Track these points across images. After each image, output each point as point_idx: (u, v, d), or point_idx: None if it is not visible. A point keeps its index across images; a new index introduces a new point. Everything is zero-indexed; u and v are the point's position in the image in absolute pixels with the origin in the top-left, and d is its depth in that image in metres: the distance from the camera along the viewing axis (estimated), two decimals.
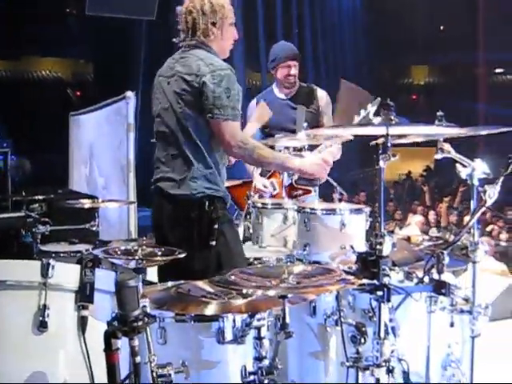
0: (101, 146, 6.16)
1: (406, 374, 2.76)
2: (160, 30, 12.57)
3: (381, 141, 2.40)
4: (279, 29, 15.78)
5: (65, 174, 7.46)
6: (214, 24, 3.32)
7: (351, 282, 2.14)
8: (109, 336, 1.88)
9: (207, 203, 3.20)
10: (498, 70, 22.57)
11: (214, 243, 3.16)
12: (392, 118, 2.37)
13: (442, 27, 24.80)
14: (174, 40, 3.42)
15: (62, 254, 3.72)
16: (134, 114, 5.33)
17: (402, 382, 2.71)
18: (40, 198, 4.71)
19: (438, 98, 22.92)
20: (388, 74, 25.67)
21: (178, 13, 3.37)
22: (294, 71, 4.82)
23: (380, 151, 2.41)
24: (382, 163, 2.47)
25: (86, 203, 4.08)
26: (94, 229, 4.18)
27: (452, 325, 2.82)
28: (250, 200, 4.05)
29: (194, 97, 3.20)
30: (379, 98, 2.99)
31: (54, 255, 3.71)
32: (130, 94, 5.33)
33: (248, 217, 4.06)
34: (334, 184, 4.46)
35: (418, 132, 2.64)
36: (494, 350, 3.26)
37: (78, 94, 18.49)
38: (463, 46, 21.93)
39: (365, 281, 2.33)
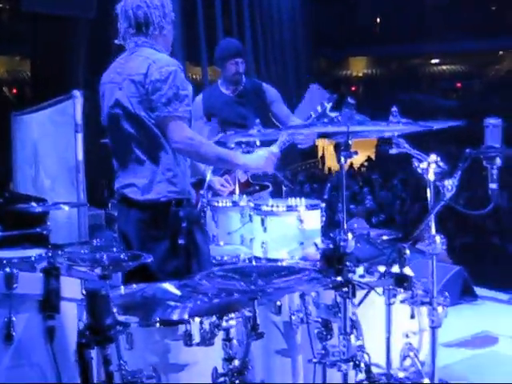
0: (46, 147, 6.02)
1: (367, 367, 2.80)
2: (99, 28, 12.37)
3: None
4: (219, 22, 15.70)
5: (5, 175, 7.29)
6: (164, 17, 3.28)
7: (322, 281, 2.15)
8: (81, 346, 1.85)
9: (173, 202, 3.17)
10: (434, 61, 23.04)
11: (182, 241, 3.13)
12: (353, 115, 2.39)
13: (378, 19, 25.20)
14: (116, 41, 3.34)
15: (14, 260, 3.63)
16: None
17: (365, 374, 2.75)
18: None
19: (377, 89, 23.32)
20: (327, 65, 25.95)
21: (120, 11, 3.29)
22: (242, 68, 4.82)
23: (341, 148, 2.43)
24: (342, 160, 2.49)
25: (38, 207, 3.98)
26: (46, 232, 4.08)
27: (413, 316, 2.87)
28: (205, 199, 4.03)
29: (145, 97, 3.14)
30: (335, 95, 3.02)
31: (5, 262, 3.63)
32: (77, 93, 5.23)
33: (202, 215, 4.04)
34: (281, 178, 4.49)
35: (377, 129, 2.67)
36: (445, 335, 3.33)
37: (15, 91, 18.07)
38: (400, 37, 22.34)
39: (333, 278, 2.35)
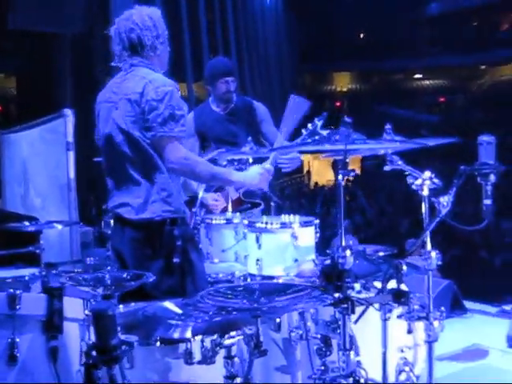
0: (36, 165, 6.00)
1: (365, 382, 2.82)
2: (85, 44, 12.38)
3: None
4: (204, 38, 15.75)
5: None
6: (157, 38, 3.32)
7: (322, 298, 2.17)
8: (89, 367, 1.86)
9: (168, 221, 3.18)
10: (417, 76, 23.26)
11: (177, 260, 3.14)
12: (350, 134, 2.42)
13: (362, 35, 25.41)
14: (113, 64, 3.38)
15: (8, 280, 3.61)
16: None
17: None
18: None
19: (361, 105, 23.47)
20: (311, 81, 26.09)
21: (114, 33, 3.33)
22: (233, 87, 4.82)
23: (339, 167, 2.46)
24: (340, 178, 2.52)
25: (31, 226, 3.97)
26: (39, 251, 4.07)
27: (410, 331, 2.90)
28: (198, 216, 4.04)
29: (141, 116, 3.16)
30: (326, 113, 3.06)
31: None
32: (68, 111, 5.23)
33: (195, 232, 4.05)
34: (270, 193, 4.52)
35: (373, 147, 2.71)
36: (436, 348, 3.35)
37: (0, 109, 18.00)
38: (384, 52, 22.55)
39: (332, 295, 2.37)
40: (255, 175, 3.48)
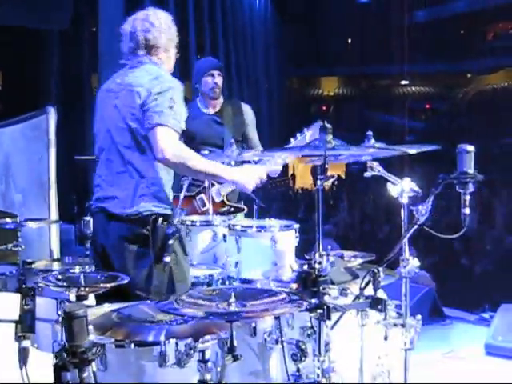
0: (17, 162, 5.95)
1: None
2: (72, 41, 12.32)
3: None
4: (191, 40, 15.73)
5: None
6: (170, 40, 3.37)
7: (297, 303, 2.17)
8: (58, 369, 1.84)
9: (160, 218, 3.16)
10: (403, 82, 23.37)
11: (168, 259, 3.11)
12: (330, 140, 2.42)
13: (349, 40, 25.51)
14: (123, 61, 3.38)
15: None
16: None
17: None
18: None
19: (347, 109, 23.57)
20: (298, 85, 26.14)
21: (127, 32, 3.35)
22: (218, 80, 4.80)
23: (318, 172, 2.46)
24: (319, 183, 2.52)
25: (8, 223, 3.93)
26: (17, 249, 4.03)
27: (386, 338, 2.89)
28: (179, 217, 4.02)
29: (141, 109, 3.15)
30: (320, 123, 3.05)
31: None
32: (50, 109, 5.21)
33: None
34: (253, 196, 4.51)
35: (353, 153, 2.71)
36: (414, 355, 3.37)
37: None
38: (371, 58, 22.64)
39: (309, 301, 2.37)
40: (248, 177, 3.44)
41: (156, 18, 3.33)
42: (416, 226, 2.60)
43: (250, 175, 3.45)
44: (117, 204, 3.20)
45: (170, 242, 3.12)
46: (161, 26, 3.32)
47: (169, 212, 3.23)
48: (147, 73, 3.24)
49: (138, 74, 3.26)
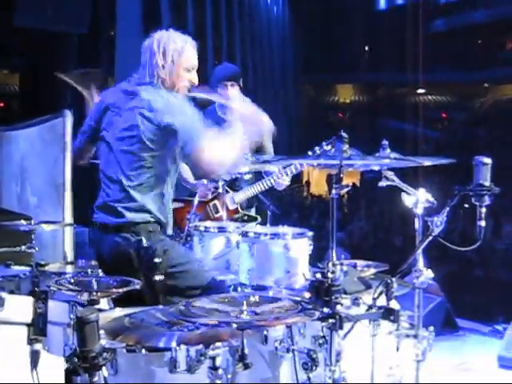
0: (34, 164, 5.98)
1: None
2: (89, 44, 12.40)
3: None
4: (209, 47, 15.78)
5: None
6: (163, 67, 3.38)
7: (309, 313, 2.16)
8: (69, 373, 1.84)
9: (144, 240, 3.21)
10: (420, 91, 23.28)
11: (159, 278, 3.10)
12: (346, 149, 2.41)
13: (367, 47, 25.47)
14: (134, 76, 3.44)
15: None
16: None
17: None
18: None
19: (363, 117, 23.51)
20: (314, 92, 26.13)
21: (143, 46, 3.44)
22: (231, 92, 4.82)
23: (333, 181, 2.45)
24: (334, 192, 2.51)
25: (23, 225, 3.96)
26: (31, 251, 4.05)
27: (398, 349, 2.88)
28: (192, 223, 4.03)
29: (152, 133, 3.24)
30: (335, 137, 3.05)
31: None
32: (67, 112, 5.23)
33: (189, 239, 4.04)
34: (267, 202, 4.51)
35: (368, 163, 2.70)
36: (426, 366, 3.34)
37: (2, 105, 18.01)
38: (388, 66, 22.58)
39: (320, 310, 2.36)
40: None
41: (168, 38, 3.40)
42: (431, 238, 2.58)
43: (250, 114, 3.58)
44: (113, 212, 3.30)
45: (157, 260, 3.13)
46: (156, 48, 3.36)
47: (162, 223, 3.32)
48: (152, 96, 3.31)
49: (144, 95, 3.32)
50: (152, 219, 3.31)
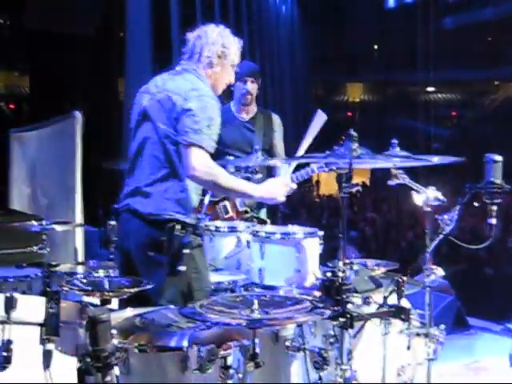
0: (44, 166, 6.01)
1: None
2: (99, 45, 12.45)
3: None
4: None
5: (2, 193, 7.23)
6: (219, 57, 3.35)
7: (320, 312, 2.16)
8: (82, 373, 1.85)
9: (178, 227, 3.15)
10: (429, 89, 23.22)
11: (182, 268, 3.12)
12: (355, 148, 2.41)
13: (376, 46, 25.43)
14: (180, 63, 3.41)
15: (10, 279, 3.63)
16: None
17: None
18: None
19: (372, 116, 23.47)
20: (323, 90, 26.11)
21: (188, 36, 3.40)
22: (250, 87, 4.74)
23: (343, 180, 2.45)
24: (344, 191, 2.51)
25: (34, 226, 3.98)
26: (42, 251, 4.07)
27: (409, 348, 2.88)
28: (203, 223, 4.03)
29: (177, 118, 3.18)
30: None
31: (1, 281, 3.62)
32: (77, 113, 5.26)
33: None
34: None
35: (378, 162, 2.70)
36: (438, 365, 3.34)
37: (12, 107, 18.09)
38: (397, 64, 22.53)
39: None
40: (275, 191, 3.44)
41: (211, 30, 3.35)
42: (441, 236, 2.58)
43: (277, 189, 3.45)
44: (141, 201, 3.22)
45: (186, 251, 3.13)
46: (213, 38, 3.32)
47: (189, 221, 3.23)
48: (188, 81, 3.26)
49: (179, 81, 3.28)
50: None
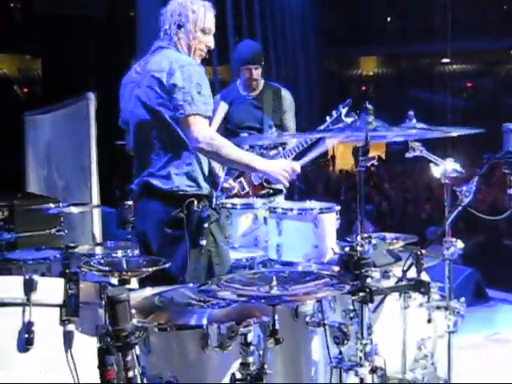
0: (60, 148, 6.04)
1: (383, 371, 2.80)
2: (110, 26, 12.41)
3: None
4: (229, 22, 15.68)
5: (19, 176, 7.28)
6: (179, 27, 3.31)
7: (340, 287, 2.15)
8: (102, 352, 1.86)
9: (195, 203, 3.17)
10: (444, 60, 22.93)
11: (203, 242, 3.13)
12: (371, 121, 2.38)
13: (389, 18, 25.15)
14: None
15: (30, 262, 3.66)
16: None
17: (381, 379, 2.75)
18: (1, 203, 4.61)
19: (387, 89, 23.28)
20: (337, 65, 25.91)
21: (163, 12, 3.39)
22: (256, 75, 4.76)
23: (360, 154, 2.43)
24: (360, 165, 2.49)
25: (52, 208, 4.00)
26: (60, 233, 4.10)
27: (429, 321, 2.86)
28: (219, 200, 4.03)
29: (166, 94, 3.17)
30: (350, 100, 3.02)
31: (21, 263, 3.65)
32: (90, 95, 5.26)
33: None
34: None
35: (394, 135, 2.67)
36: (458, 337, 3.33)
37: (25, 90, 18.15)
38: (411, 36, 22.28)
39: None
40: (279, 169, 3.42)
41: (173, 3, 3.34)
42: (460, 208, 2.55)
43: (283, 168, 3.42)
44: (155, 183, 3.24)
45: (205, 225, 3.14)
46: (171, 10, 3.31)
47: (204, 192, 3.25)
48: (165, 57, 3.25)
49: (158, 58, 3.28)
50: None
